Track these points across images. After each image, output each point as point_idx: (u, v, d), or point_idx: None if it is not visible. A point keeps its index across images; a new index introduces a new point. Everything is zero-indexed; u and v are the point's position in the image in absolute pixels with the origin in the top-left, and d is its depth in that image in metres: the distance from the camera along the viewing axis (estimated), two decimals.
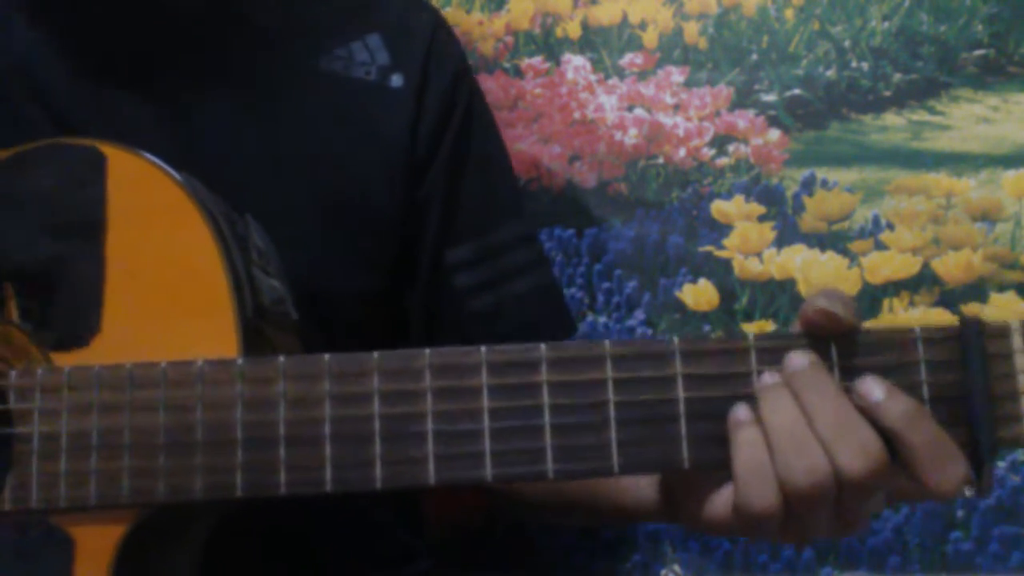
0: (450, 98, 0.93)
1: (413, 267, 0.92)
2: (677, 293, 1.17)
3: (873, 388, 0.63)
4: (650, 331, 1.16)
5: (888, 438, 0.63)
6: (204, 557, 0.71)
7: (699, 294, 1.17)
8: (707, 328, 1.16)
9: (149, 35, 0.86)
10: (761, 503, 0.63)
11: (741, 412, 0.64)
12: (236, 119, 0.86)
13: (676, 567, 1.13)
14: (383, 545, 0.90)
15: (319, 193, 0.87)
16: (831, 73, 1.19)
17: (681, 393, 0.65)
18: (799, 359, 0.64)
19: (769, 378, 0.64)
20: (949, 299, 1.14)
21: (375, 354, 0.66)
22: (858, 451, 0.62)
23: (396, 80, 0.91)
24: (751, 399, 0.65)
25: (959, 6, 1.18)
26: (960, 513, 1.11)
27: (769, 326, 1.15)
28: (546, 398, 0.65)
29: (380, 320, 0.90)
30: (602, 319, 1.18)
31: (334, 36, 0.91)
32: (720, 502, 0.67)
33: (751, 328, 1.15)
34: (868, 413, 0.63)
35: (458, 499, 1.03)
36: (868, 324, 0.66)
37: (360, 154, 0.89)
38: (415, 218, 0.92)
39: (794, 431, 0.63)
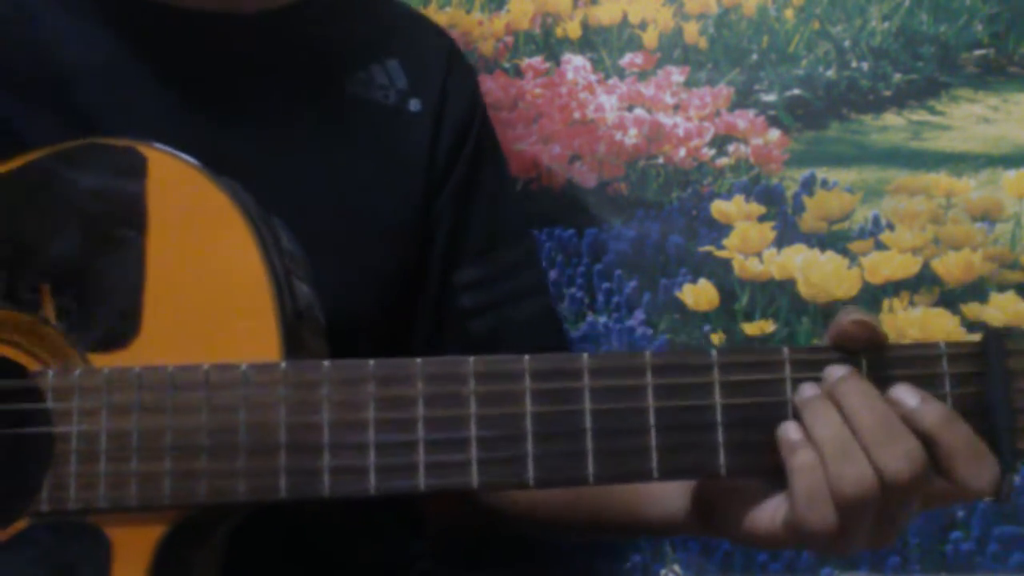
0: (466, 124, 0.95)
1: (421, 286, 0.93)
2: (677, 293, 1.17)
3: (907, 396, 0.65)
4: (650, 331, 1.16)
5: (925, 443, 0.65)
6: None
7: (699, 294, 1.17)
8: (707, 328, 1.16)
9: (182, 45, 0.86)
10: (822, 525, 0.64)
11: (792, 432, 0.66)
12: (265, 133, 0.86)
13: (676, 567, 1.13)
14: (383, 545, 0.90)
15: (340, 212, 0.87)
16: (831, 73, 1.19)
17: (719, 400, 0.66)
18: (839, 368, 0.66)
19: (809, 390, 0.66)
20: (949, 299, 1.14)
21: (419, 360, 0.67)
22: (902, 457, 0.63)
23: (414, 104, 0.93)
24: (785, 407, 0.66)
25: (959, 6, 1.18)
26: (960, 513, 1.10)
27: (769, 326, 1.15)
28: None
29: (385, 337, 0.90)
30: (602, 319, 1.18)
31: (357, 57, 0.92)
32: (765, 516, 0.68)
33: (751, 328, 1.15)
34: (904, 419, 0.65)
35: (458, 506, 1.03)
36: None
37: (380, 175, 0.90)
38: (426, 238, 0.93)
39: (840, 440, 0.64)
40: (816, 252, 1.16)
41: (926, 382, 0.67)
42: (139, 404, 0.66)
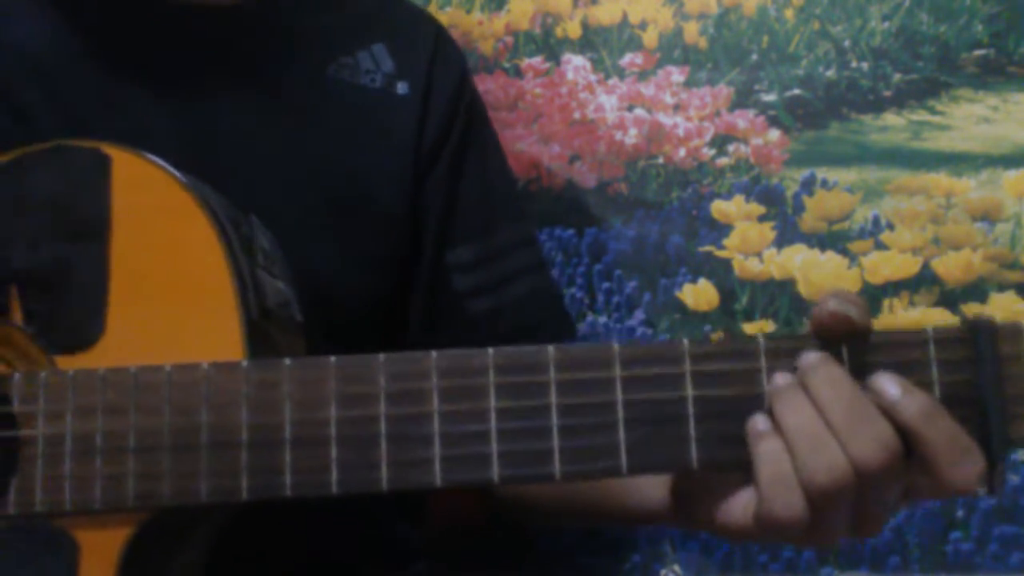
0: (453, 105, 0.95)
1: (414, 269, 0.93)
2: (677, 293, 1.17)
3: (888, 385, 0.63)
4: (650, 331, 1.16)
5: (905, 435, 0.62)
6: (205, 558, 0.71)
7: (699, 294, 1.17)
8: (707, 328, 1.16)
9: (161, 38, 0.86)
10: (787, 513, 0.62)
11: (760, 423, 0.64)
12: (246, 124, 0.87)
13: (676, 567, 1.13)
14: (382, 545, 0.90)
15: (329, 197, 0.88)
16: (831, 73, 1.19)
17: (690, 392, 0.64)
18: (811, 356, 0.64)
19: (781, 379, 0.64)
20: (949, 299, 1.14)
21: (381, 356, 0.65)
22: (873, 442, 0.61)
23: (402, 88, 0.93)
24: (761, 399, 0.64)
25: (959, 6, 1.18)
26: (960, 513, 1.10)
27: (769, 326, 1.15)
28: (554, 398, 0.64)
29: (383, 322, 0.90)
30: (602, 319, 1.18)
31: (341, 45, 0.93)
32: (738, 508, 0.66)
33: (751, 328, 1.15)
34: (884, 410, 0.62)
35: (459, 499, 1.03)
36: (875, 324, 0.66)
37: (369, 159, 0.90)
38: (417, 221, 0.93)
39: (811, 429, 0.62)
40: (816, 252, 1.16)
41: (912, 368, 0.64)
42: (103, 405, 0.66)
